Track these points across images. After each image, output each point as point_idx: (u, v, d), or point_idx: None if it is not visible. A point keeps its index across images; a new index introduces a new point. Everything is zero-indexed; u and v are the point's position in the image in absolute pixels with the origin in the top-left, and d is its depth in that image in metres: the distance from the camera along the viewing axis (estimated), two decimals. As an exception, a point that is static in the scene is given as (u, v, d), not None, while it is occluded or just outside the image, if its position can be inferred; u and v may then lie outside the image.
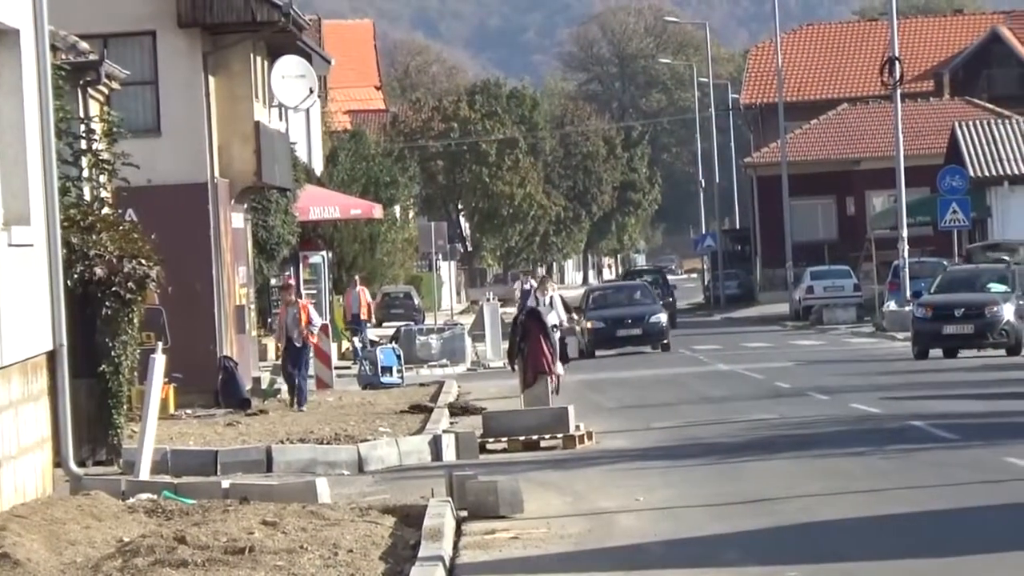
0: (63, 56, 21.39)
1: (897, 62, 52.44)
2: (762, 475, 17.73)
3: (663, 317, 47.17)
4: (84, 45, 23.75)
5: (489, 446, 21.34)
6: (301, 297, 31.01)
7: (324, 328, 36.25)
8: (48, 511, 12.78)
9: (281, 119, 37.25)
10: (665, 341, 46.32)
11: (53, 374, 15.30)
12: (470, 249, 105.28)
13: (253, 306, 34.57)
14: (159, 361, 16.93)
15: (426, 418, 25.13)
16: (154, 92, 29.67)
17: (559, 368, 26.13)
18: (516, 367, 25.15)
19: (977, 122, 64.28)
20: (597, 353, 45.38)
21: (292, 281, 34.23)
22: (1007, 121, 64.91)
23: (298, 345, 28.56)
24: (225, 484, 15.34)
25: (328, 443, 21.17)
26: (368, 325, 48.61)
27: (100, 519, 12.53)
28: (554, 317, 29.05)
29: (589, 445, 21.60)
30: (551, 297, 31.03)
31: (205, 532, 11.59)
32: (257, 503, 13.67)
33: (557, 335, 27.82)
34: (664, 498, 15.63)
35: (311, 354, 29.30)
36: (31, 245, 14.69)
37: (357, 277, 49.78)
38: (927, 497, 14.75)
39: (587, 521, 13.92)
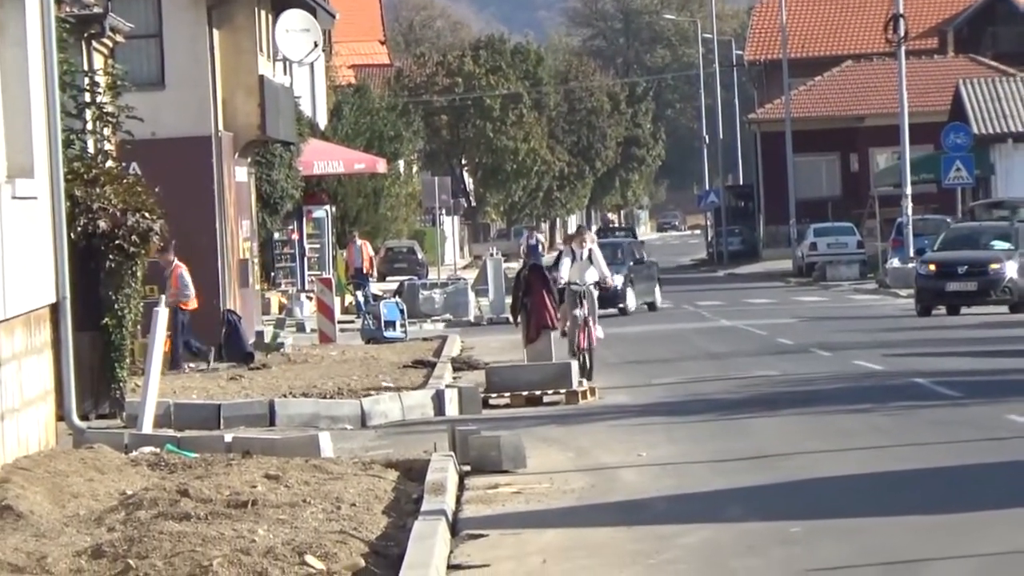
0: (67, 9, 21.28)
1: (901, 19, 52.24)
2: (764, 431, 17.76)
3: (619, 279, 44.84)
4: (89, -3, 23.63)
5: (492, 401, 21.38)
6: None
7: (326, 282, 36.25)
8: (51, 464, 12.80)
9: (285, 73, 37.10)
10: (622, 305, 43.58)
11: (56, 327, 15.33)
12: (473, 204, 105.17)
13: (256, 260, 34.53)
14: (162, 314, 16.94)
15: (429, 373, 25.15)
16: (158, 45, 29.56)
17: (599, 331, 24.80)
18: (519, 322, 25.07)
19: (981, 80, 64.08)
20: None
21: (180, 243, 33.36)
22: (1011, 79, 64.73)
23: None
24: (228, 438, 15.37)
25: (331, 397, 21.18)
26: (371, 279, 48.58)
27: (103, 472, 12.55)
28: (594, 274, 25.30)
29: (592, 401, 21.64)
30: (590, 250, 25.74)
31: (208, 485, 11.61)
32: (260, 457, 13.68)
33: (596, 294, 25.78)
34: (666, 454, 15.67)
35: (186, 319, 27.96)
36: (35, 198, 14.67)
37: (356, 232, 49.75)
38: (929, 454, 14.77)
39: (589, 476, 13.94)
